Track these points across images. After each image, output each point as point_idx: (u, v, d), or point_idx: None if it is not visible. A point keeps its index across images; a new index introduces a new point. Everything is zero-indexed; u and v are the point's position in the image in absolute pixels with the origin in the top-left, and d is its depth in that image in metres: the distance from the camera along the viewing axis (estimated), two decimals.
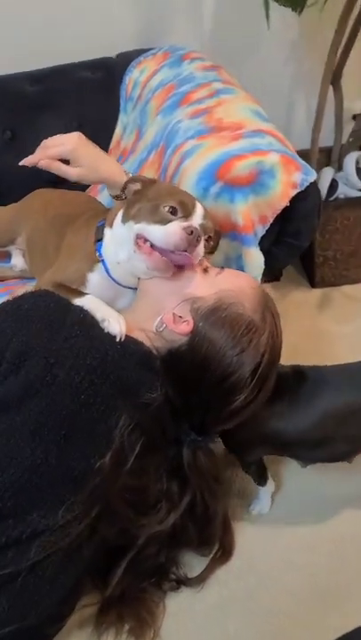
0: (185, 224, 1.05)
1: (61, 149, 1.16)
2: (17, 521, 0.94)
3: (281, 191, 1.20)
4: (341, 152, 2.07)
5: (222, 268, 1.16)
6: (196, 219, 1.09)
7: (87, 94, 1.85)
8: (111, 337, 1.05)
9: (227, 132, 1.34)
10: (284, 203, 1.21)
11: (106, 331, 1.06)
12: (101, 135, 1.83)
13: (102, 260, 1.17)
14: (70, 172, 1.18)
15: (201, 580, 1.23)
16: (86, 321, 1.06)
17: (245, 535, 1.34)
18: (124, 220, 1.13)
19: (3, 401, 0.97)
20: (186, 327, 1.07)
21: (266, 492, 1.48)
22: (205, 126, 1.39)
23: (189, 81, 1.62)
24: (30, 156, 1.17)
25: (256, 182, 1.20)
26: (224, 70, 1.70)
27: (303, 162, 1.24)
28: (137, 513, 1.09)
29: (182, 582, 1.23)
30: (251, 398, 1.08)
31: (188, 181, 1.25)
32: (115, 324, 1.07)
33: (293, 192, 1.20)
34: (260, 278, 1.26)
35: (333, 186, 2.00)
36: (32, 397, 0.96)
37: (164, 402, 1.07)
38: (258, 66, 2.08)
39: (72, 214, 1.34)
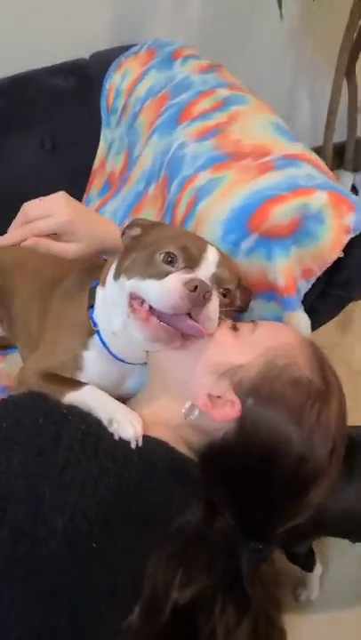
0: (186, 276, 0.78)
1: (53, 224, 0.89)
2: None
3: (331, 240, 0.92)
4: (358, 149, 1.79)
5: (253, 321, 0.88)
6: (206, 269, 0.82)
7: (60, 106, 1.54)
8: (125, 446, 0.78)
9: (250, 160, 1.06)
10: (336, 254, 0.93)
11: (116, 437, 0.78)
12: (81, 156, 1.53)
13: (98, 331, 0.90)
14: (66, 250, 0.91)
15: None
16: (90, 432, 0.77)
17: (294, 629, 1.11)
18: (117, 274, 0.86)
19: None
20: (230, 410, 0.79)
21: (314, 576, 1.27)
22: (220, 152, 1.10)
23: (187, 87, 1.32)
24: (9, 234, 0.89)
25: (299, 231, 0.92)
26: (225, 70, 1.40)
27: (354, 197, 0.97)
28: None
29: None
30: (329, 483, 0.82)
31: (210, 232, 0.97)
32: (126, 426, 0.79)
33: (346, 239, 0.93)
34: None
35: (354, 192, 1.73)
36: (20, 563, 0.69)
37: (206, 515, 0.80)
38: (253, 58, 1.78)
39: (58, 270, 1.06)
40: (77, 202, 0.93)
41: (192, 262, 0.81)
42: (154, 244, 0.83)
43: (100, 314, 0.90)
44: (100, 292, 0.91)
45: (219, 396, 0.81)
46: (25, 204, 0.92)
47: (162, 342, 0.80)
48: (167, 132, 1.25)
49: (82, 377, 0.90)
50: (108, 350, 0.90)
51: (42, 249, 0.90)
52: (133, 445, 0.78)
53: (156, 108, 1.33)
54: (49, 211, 0.89)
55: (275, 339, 0.85)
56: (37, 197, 0.93)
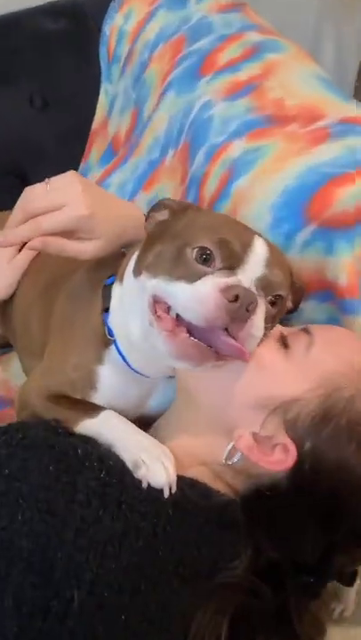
0: (225, 281, 0.60)
1: (67, 219, 0.69)
2: None
3: None
4: None
5: (305, 329, 0.70)
6: (251, 270, 0.63)
7: (50, 55, 1.29)
8: (156, 495, 0.62)
9: (297, 126, 0.85)
10: None
11: (145, 484, 0.62)
12: (77, 115, 1.30)
13: (115, 341, 0.72)
14: (84, 251, 0.72)
15: None
16: (111, 481, 0.62)
17: None
18: (137, 270, 0.68)
19: None
20: (283, 458, 0.64)
21: (351, 590, 1.15)
22: (257, 114, 0.90)
23: (207, 31, 1.09)
24: (10, 232, 0.69)
25: None
26: (249, 8, 1.17)
27: None
28: None
29: None
30: None
31: (254, 218, 0.78)
32: (156, 470, 0.63)
33: None
34: None
35: None
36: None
37: (251, 559, 0.67)
38: None
39: (63, 264, 0.85)
40: (93, 185, 0.75)
41: (233, 261, 0.62)
42: (185, 235, 0.64)
43: (116, 318, 0.72)
44: (116, 290, 0.72)
45: (268, 437, 0.65)
46: (27, 188, 0.72)
47: (191, 361, 0.63)
48: (186, 87, 1.03)
49: (96, 397, 0.73)
50: (128, 364, 0.72)
51: (52, 251, 0.70)
52: (167, 494, 0.62)
53: (170, 56, 1.10)
54: (61, 201, 0.69)
55: (335, 359, 0.67)
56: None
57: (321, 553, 0.71)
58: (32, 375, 0.81)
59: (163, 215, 0.70)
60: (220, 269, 0.62)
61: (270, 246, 0.66)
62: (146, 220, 0.71)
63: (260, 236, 0.67)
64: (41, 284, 0.89)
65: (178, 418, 0.74)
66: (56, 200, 0.69)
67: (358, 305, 0.79)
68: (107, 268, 0.77)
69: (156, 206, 0.71)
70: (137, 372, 0.73)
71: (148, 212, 0.71)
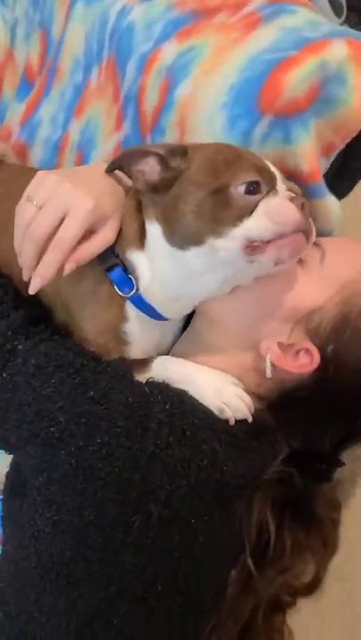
0: (288, 194, 0.68)
1: (80, 224, 0.66)
2: None
3: (357, 102, 0.75)
4: None
5: (314, 243, 0.72)
6: (281, 184, 0.69)
7: None
8: (209, 419, 0.69)
9: (225, 16, 0.82)
10: None
11: (232, 422, 0.70)
12: None
13: (135, 296, 0.73)
14: (108, 239, 0.71)
15: (318, 582, 1.00)
16: (175, 412, 0.67)
17: None
18: (175, 240, 0.69)
19: None
20: (307, 362, 0.71)
21: None
22: (180, 11, 0.85)
23: None
24: (42, 269, 0.67)
25: (319, 99, 0.74)
26: None
27: None
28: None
29: (299, 594, 1.01)
30: None
31: (208, 123, 0.76)
32: (239, 408, 0.70)
33: None
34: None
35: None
36: (115, 552, 0.64)
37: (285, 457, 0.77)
38: None
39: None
40: (66, 171, 0.75)
41: (271, 181, 0.68)
42: (216, 178, 0.66)
43: (153, 283, 0.72)
44: (141, 259, 0.72)
45: (291, 344, 0.72)
46: (17, 220, 0.68)
47: (292, 258, 0.69)
48: None
49: (131, 351, 0.75)
50: (147, 311, 0.74)
51: (85, 261, 0.69)
52: (250, 420, 0.70)
53: None
54: (61, 211, 0.66)
55: (348, 268, 0.74)
56: None
57: (336, 444, 0.80)
58: None
59: (150, 167, 0.68)
60: (268, 192, 0.67)
61: None
62: (131, 176, 0.69)
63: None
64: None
65: (199, 343, 0.78)
66: (57, 213, 0.66)
67: (322, 188, 0.81)
68: None
69: (134, 156, 0.69)
70: (157, 317, 0.75)
71: (127, 166, 0.70)
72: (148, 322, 0.75)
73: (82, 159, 1.01)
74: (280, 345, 0.72)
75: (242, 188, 0.65)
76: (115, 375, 0.68)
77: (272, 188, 0.67)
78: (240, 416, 0.71)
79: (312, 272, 0.74)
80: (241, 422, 0.71)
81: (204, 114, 0.77)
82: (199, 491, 0.66)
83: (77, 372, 0.67)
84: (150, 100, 0.85)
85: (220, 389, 0.71)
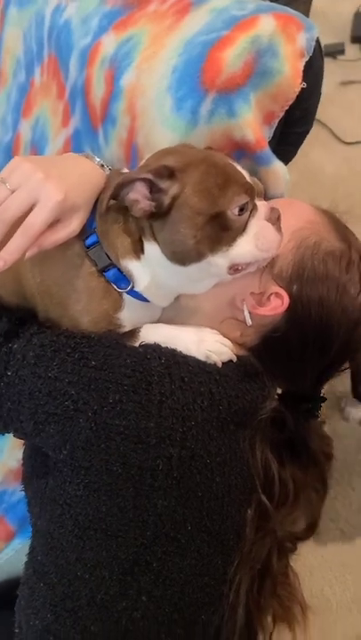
0: (263, 213, 0.76)
1: (48, 213, 0.69)
2: None
3: (290, 71, 0.81)
4: None
5: (262, 200, 0.80)
6: (255, 187, 0.76)
7: None
8: (203, 367, 0.76)
9: (156, 4, 0.87)
10: (298, 86, 0.82)
11: (220, 364, 0.77)
12: None
13: (130, 291, 0.79)
14: (72, 231, 0.74)
15: (315, 523, 1.08)
16: (171, 364, 0.74)
17: None
18: (177, 259, 0.75)
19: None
20: (278, 303, 0.79)
21: None
22: (113, 4, 0.89)
23: None
24: (6, 251, 0.68)
25: (255, 73, 0.79)
26: None
27: (295, 12, 0.83)
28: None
29: (299, 539, 1.09)
30: None
31: (156, 105, 0.81)
32: (224, 352, 0.78)
33: (303, 64, 0.82)
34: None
35: None
36: (146, 497, 0.72)
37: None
38: None
39: None
40: (40, 159, 0.75)
41: (253, 195, 0.75)
42: (212, 203, 0.71)
43: (150, 286, 0.78)
44: (137, 267, 0.76)
45: (262, 292, 0.79)
46: None
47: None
48: None
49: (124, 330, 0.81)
50: (141, 299, 0.80)
51: (49, 247, 0.72)
52: (235, 360, 0.78)
53: None
54: (32, 198, 0.69)
55: (296, 219, 0.81)
56: None
57: (316, 378, 0.88)
58: None
59: (141, 193, 0.71)
60: (252, 208, 0.74)
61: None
62: (133, 205, 0.72)
63: (227, 158, 0.76)
64: None
65: (182, 309, 0.84)
66: (27, 200, 0.68)
67: (269, 155, 0.87)
68: None
69: (122, 186, 0.71)
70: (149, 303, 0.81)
71: (121, 197, 0.72)
72: (140, 306, 0.80)
73: (37, 155, 1.04)
74: (253, 294, 0.79)
75: (236, 211, 0.72)
76: (109, 345, 0.74)
77: (253, 203, 0.74)
78: (225, 358, 0.78)
79: None
80: (229, 365, 0.78)
81: (151, 98, 0.82)
82: (207, 428, 0.73)
83: (74, 349, 0.73)
84: (97, 91, 0.89)
85: (201, 339, 0.78)
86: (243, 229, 0.73)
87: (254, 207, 0.75)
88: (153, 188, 0.72)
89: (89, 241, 0.77)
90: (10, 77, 1.04)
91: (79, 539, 0.72)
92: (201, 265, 0.74)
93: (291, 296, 0.78)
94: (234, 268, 0.75)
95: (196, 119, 0.80)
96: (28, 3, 0.99)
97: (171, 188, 0.71)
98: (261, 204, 0.76)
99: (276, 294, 0.78)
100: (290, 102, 0.85)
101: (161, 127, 0.82)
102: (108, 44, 0.87)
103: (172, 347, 0.76)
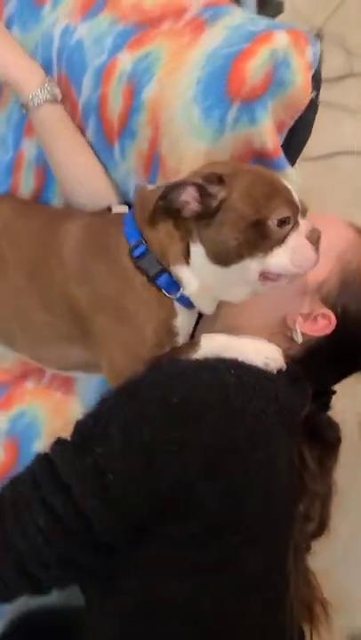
0: (304, 231, 0.80)
1: None
2: None
3: (302, 82, 0.87)
4: None
5: (305, 220, 0.85)
6: (299, 205, 0.81)
7: None
8: (262, 375, 0.79)
9: (170, 23, 0.91)
10: (308, 96, 0.89)
11: (275, 371, 0.81)
12: None
13: (181, 296, 0.84)
14: None
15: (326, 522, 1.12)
16: (240, 369, 0.77)
17: None
18: (222, 259, 0.80)
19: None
20: (326, 323, 0.86)
21: None
22: (126, 23, 0.93)
23: None
24: None
25: (273, 83, 0.85)
26: None
27: (303, 29, 0.90)
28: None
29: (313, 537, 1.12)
30: None
31: (183, 115, 0.85)
32: (278, 359, 0.82)
33: (311, 75, 0.89)
34: None
35: None
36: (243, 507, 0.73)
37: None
38: None
39: (37, 247, 0.91)
40: None
41: (297, 212, 0.80)
42: (256, 211, 0.77)
43: (199, 290, 0.83)
44: (185, 272, 0.82)
45: (309, 313, 0.86)
46: None
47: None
48: (30, 20, 1.01)
49: (179, 341, 0.84)
50: (189, 305, 0.85)
51: None
52: (285, 367, 0.82)
53: None
54: None
55: (338, 240, 0.88)
56: None
57: (341, 377, 0.95)
58: (113, 364, 0.84)
59: (192, 196, 0.77)
60: (294, 224, 0.79)
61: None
62: (184, 206, 0.78)
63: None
64: (19, 275, 0.90)
65: (227, 327, 0.87)
66: None
67: (284, 161, 0.93)
68: (99, 240, 0.85)
69: (175, 188, 0.77)
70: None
71: (172, 199, 0.78)
72: (189, 313, 0.85)
73: (43, 173, 1.06)
74: (302, 315, 0.86)
75: (277, 222, 0.77)
76: (175, 374, 0.76)
77: (296, 219, 0.80)
78: (279, 365, 0.82)
79: None
80: (280, 372, 0.82)
81: (176, 109, 0.86)
82: (279, 431, 0.77)
83: (151, 401, 0.73)
84: (114, 107, 0.92)
85: (259, 349, 0.82)
86: (282, 241, 0.78)
87: (296, 223, 0.79)
88: (203, 193, 0.77)
89: (137, 252, 0.81)
90: (10, 98, 1.05)
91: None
92: (238, 267, 0.79)
93: (336, 316, 0.86)
94: (264, 276, 0.80)
95: (223, 127, 0.85)
96: (32, 24, 1.01)
97: (220, 193, 0.77)
98: (303, 223, 0.81)
99: (323, 315, 0.86)
100: (299, 112, 0.91)
101: (188, 136, 0.86)
102: (125, 61, 0.91)
103: (232, 356, 0.79)
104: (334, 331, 0.87)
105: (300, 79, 0.87)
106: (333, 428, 1.01)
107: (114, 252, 0.82)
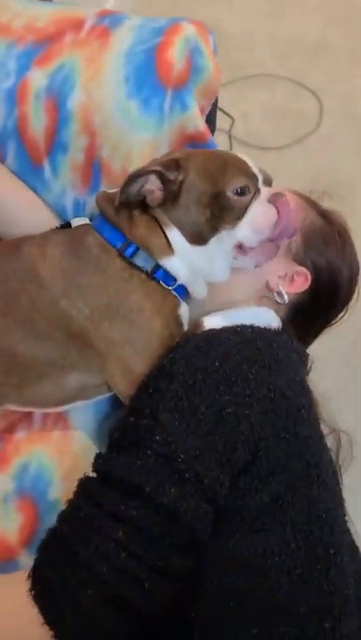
0: (265, 197, 0.81)
1: None
2: None
3: (214, 67, 0.92)
4: None
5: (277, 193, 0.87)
6: (258, 174, 0.83)
7: None
8: (276, 335, 0.80)
9: (72, 35, 0.91)
10: (219, 80, 0.94)
11: (278, 327, 0.84)
12: None
13: (180, 286, 0.83)
14: None
15: None
16: (258, 329, 0.78)
17: None
18: (196, 237, 0.80)
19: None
20: (302, 280, 0.90)
21: None
22: (24, 45, 0.91)
23: None
24: None
25: (193, 69, 0.89)
26: None
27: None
28: None
29: None
30: None
31: (122, 115, 0.85)
32: (275, 316, 0.85)
33: (216, 61, 0.94)
34: None
35: None
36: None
37: None
38: None
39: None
40: None
41: (256, 180, 0.81)
42: (214, 185, 0.78)
43: (182, 274, 0.82)
44: (175, 262, 0.80)
45: (286, 273, 0.90)
46: None
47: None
48: None
49: (185, 329, 0.82)
50: (186, 294, 0.84)
51: None
52: (281, 325, 0.85)
53: None
54: None
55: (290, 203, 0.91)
56: None
57: (315, 334, 1.01)
58: (128, 368, 0.78)
59: (154, 184, 0.78)
60: (253, 192, 0.80)
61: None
62: (148, 194, 0.78)
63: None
64: None
65: (219, 304, 0.87)
66: None
67: (213, 143, 0.96)
68: (80, 251, 0.80)
69: (136, 179, 0.77)
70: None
71: (135, 190, 0.77)
72: (188, 303, 0.84)
73: None
74: (280, 277, 0.90)
75: (235, 191, 0.78)
76: (203, 343, 0.73)
77: (256, 187, 0.80)
78: (279, 324, 0.84)
79: None
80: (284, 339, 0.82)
81: (110, 110, 0.86)
82: (304, 377, 0.79)
83: (192, 373, 0.70)
84: (38, 124, 0.90)
85: (256, 313, 0.83)
86: (244, 211, 0.80)
87: (257, 191, 0.81)
88: (163, 179, 0.78)
89: (129, 251, 0.79)
90: None
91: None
92: (215, 242, 0.80)
93: (311, 269, 0.90)
94: (240, 248, 0.81)
95: (163, 116, 0.86)
96: None
97: (178, 177, 0.78)
98: (266, 190, 0.82)
99: (298, 272, 0.90)
100: (215, 96, 0.96)
101: (131, 131, 0.86)
102: (37, 78, 0.89)
103: (235, 323, 0.79)
104: (310, 286, 0.91)
105: (211, 65, 0.91)
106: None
107: (102, 260, 0.79)
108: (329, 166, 1.97)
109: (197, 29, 0.90)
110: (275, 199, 0.82)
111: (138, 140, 0.86)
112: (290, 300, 0.90)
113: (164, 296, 0.80)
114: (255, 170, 0.82)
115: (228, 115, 2.01)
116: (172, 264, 0.81)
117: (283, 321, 0.89)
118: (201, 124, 0.91)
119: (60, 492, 0.86)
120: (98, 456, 0.70)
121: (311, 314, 0.94)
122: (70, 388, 0.84)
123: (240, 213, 0.80)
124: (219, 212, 0.79)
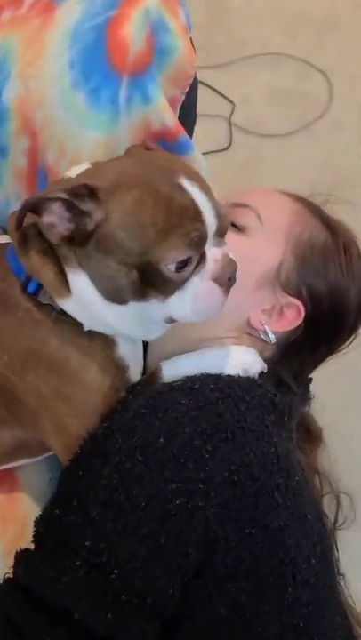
0: (211, 270, 0.61)
1: None
2: None
3: (185, 47, 0.74)
4: None
5: (239, 204, 0.76)
6: (213, 223, 0.61)
7: None
8: (251, 381, 0.69)
9: (9, 12, 0.75)
10: (194, 63, 0.77)
11: (256, 376, 0.70)
12: None
13: None
14: None
15: None
16: (221, 382, 0.65)
17: None
18: (111, 297, 0.62)
19: None
20: (294, 314, 0.74)
21: None
22: None
23: None
24: None
25: (156, 49, 0.72)
26: None
27: None
28: None
29: None
30: None
31: (64, 109, 0.69)
32: (255, 359, 0.70)
33: (190, 39, 0.77)
34: None
35: None
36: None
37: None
38: None
39: None
40: None
41: (203, 243, 0.61)
42: (142, 246, 0.58)
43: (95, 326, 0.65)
44: (72, 304, 0.63)
45: (273, 307, 0.75)
46: None
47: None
48: None
49: (133, 374, 0.69)
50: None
51: None
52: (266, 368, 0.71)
53: None
54: None
55: (280, 214, 0.77)
56: None
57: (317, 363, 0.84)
58: (58, 426, 0.65)
59: (58, 215, 0.58)
60: (198, 262, 0.61)
61: (200, 183, 0.62)
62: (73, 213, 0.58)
63: (180, 178, 0.61)
64: None
65: (188, 342, 0.73)
66: None
67: (188, 141, 0.80)
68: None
69: (34, 207, 0.58)
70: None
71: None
72: (133, 341, 0.68)
73: None
74: (265, 311, 0.74)
75: (173, 267, 0.59)
76: (150, 409, 0.61)
77: (202, 253, 0.61)
78: (260, 367, 0.70)
79: (257, 235, 0.75)
80: (265, 375, 0.70)
81: (53, 103, 0.69)
82: (283, 440, 0.66)
83: (132, 452, 0.58)
84: None
85: (231, 355, 0.68)
86: (182, 285, 0.61)
87: (203, 260, 0.61)
88: (72, 212, 0.58)
89: (31, 287, 0.62)
90: None
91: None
92: (139, 306, 0.62)
93: (303, 301, 0.74)
94: (171, 320, 0.64)
95: (118, 109, 0.70)
96: None
97: (95, 213, 0.58)
98: (213, 255, 0.62)
99: (289, 304, 0.74)
100: (189, 82, 0.79)
101: (78, 129, 0.70)
102: None
103: (204, 372, 0.65)
104: (306, 317, 0.75)
105: (181, 44, 0.74)
106: (312, 420, 0.91)
107: (10, 296, 0.63)
108: (339, 155, 1.79)
109: (164, 1, 0.73)
110: (222, 275, 0.62)
111: (88, 141, 0.70)
112: (281, 339, 0.75)
113: (90, 337, 0.64)
114: (210, 219, 0.61)
115: (227, 99, 1.84)
116: (70, 308, 0.63)
117: (271, 360, 0.75)
118: (169, 119, 0.74)
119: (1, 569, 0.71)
120: (19, 558, 0.55)
121: (310, 347, 0.79)
122: (6, 445, 0.71)
123: (176, 288, 0.61)
124: (149, 279, 0.60)
